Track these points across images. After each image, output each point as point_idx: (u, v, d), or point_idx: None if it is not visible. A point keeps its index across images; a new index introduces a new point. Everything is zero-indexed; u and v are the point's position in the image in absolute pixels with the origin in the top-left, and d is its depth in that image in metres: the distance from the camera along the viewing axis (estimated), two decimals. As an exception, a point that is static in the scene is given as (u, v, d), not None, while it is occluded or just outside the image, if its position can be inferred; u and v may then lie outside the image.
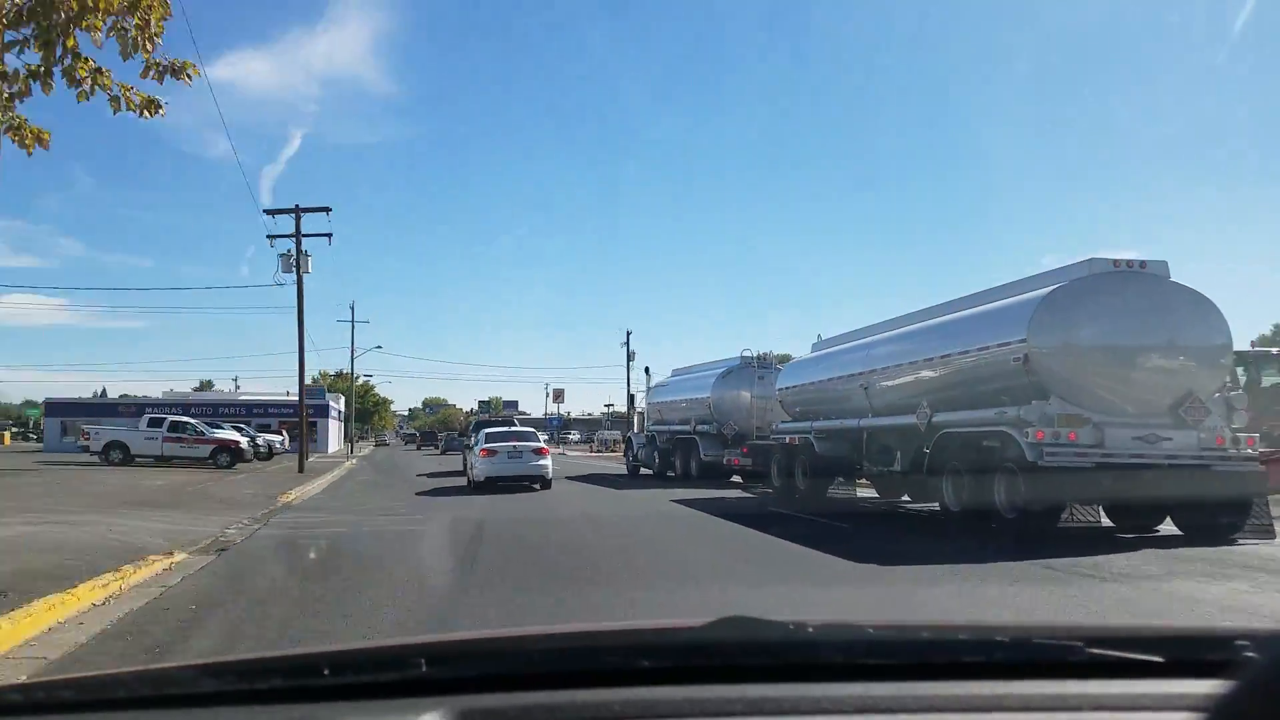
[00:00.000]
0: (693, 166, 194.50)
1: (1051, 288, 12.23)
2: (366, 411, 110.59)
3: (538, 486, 21.60)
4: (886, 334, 16.48)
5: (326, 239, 31.70)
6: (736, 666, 1.40)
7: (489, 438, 22.71)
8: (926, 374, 14.47)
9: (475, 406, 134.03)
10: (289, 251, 29.55)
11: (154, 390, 63.89)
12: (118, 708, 1.41)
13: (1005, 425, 12.16)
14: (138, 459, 31.76)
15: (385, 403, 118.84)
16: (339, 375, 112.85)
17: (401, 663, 1.44)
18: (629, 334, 65.42)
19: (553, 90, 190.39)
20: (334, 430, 65.85)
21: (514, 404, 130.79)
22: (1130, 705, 1.30)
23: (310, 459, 41.02)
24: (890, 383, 15.64)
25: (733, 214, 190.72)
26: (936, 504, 14.49)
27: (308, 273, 29.66)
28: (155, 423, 32.51)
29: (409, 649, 1.50)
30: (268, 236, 29.94)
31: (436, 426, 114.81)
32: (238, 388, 75.49)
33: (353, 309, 74.68)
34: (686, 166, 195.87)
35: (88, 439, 34.65)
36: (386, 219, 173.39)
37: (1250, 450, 11.95)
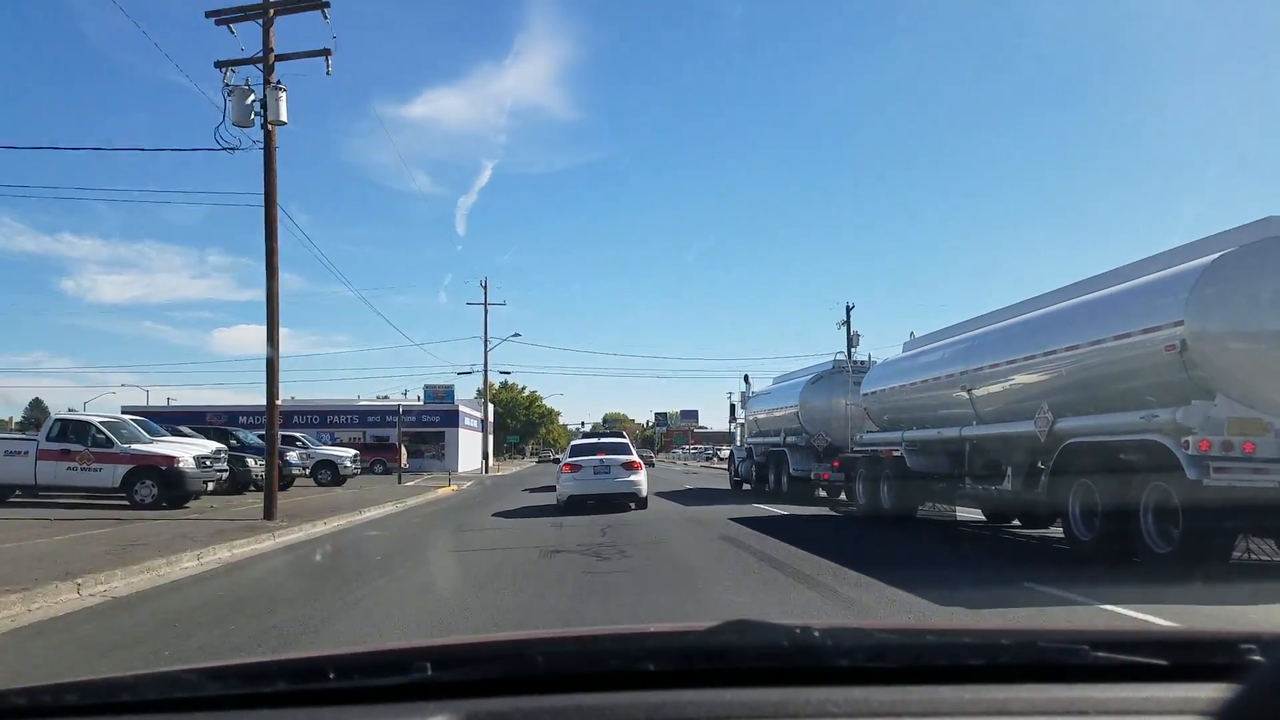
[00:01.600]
0: (898, 153, 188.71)
1: (1216, 255, 9.55)
2: (532, 424, 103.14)
3: (632, 505, 18.49)
4: (995, 325, 13.85)
5: (324, 59, 16.72)
6: (741, 670, 1.39)
7: (573, 451, 20.06)
8: (1048, 371, 11.82)
9: (652, 418, 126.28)
10: (246, 83, 16.21)
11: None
12: (123, 711, 1.39)
13: (1155, 433, 9.52)
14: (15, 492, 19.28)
15: (552, 414, 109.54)
16: (505, 385, 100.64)
17: (407, 666, 1.41)
18: (850, 310, 46.01)
19: (735, 91, 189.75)
20: (469, 443, 56.13)
21: (693, 413, 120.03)
22: (1135, 709, 1.28)
23: (414, 481, 32.88)
24: (1000, 385, 13.00)
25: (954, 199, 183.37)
26: (1058, 530, 11.87)
27: (281, 122, 16.28)
28: (60, 431, 19.04)
29: (415, 652, 1.48)
30: (216, 64, 16.38)
31: None
32: (406, 395, 67.31)
33: (484, 287, 52.95)
34: (886, 153, 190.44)
35: None
36: (575, 241, 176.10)
37: None
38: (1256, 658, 1.30)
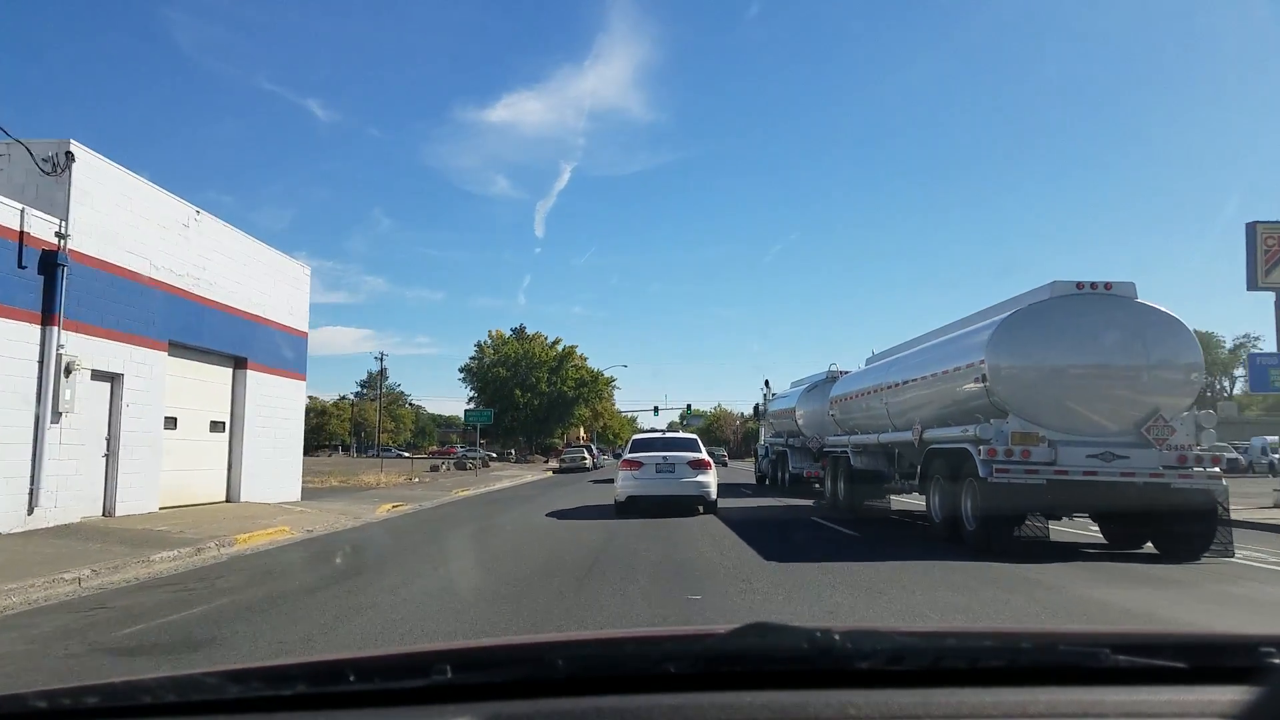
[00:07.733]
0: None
1: (1010, 312, 12.86)
2: (564, 399, 69.99)
3: (700, 509, 17.99)
4: (907, 352, 17.22)
5: None
6: (761, 672, 1.40)
7: (635, 446, 19.55)
8: (922, 391, 15.23)
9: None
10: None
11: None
12: (143, 714, 1.39)
13: (967, 442, 12.88)
14: None
15: (601, 381, 75.14)
16: (520, 333, 73.91)
17: (427, 669, 1.41)
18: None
19: (808, 91, 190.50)
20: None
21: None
22: (1155, 712, 1.28)
23: None
24: (900, 399, 16.41)
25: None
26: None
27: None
28: None
29: (435, 655, 1.48)
30: None
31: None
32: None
33: None
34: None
35: None
36: (650, 243, 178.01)
37: (1215, 469, 12.13)
38: (1277, 660, 1.31)
